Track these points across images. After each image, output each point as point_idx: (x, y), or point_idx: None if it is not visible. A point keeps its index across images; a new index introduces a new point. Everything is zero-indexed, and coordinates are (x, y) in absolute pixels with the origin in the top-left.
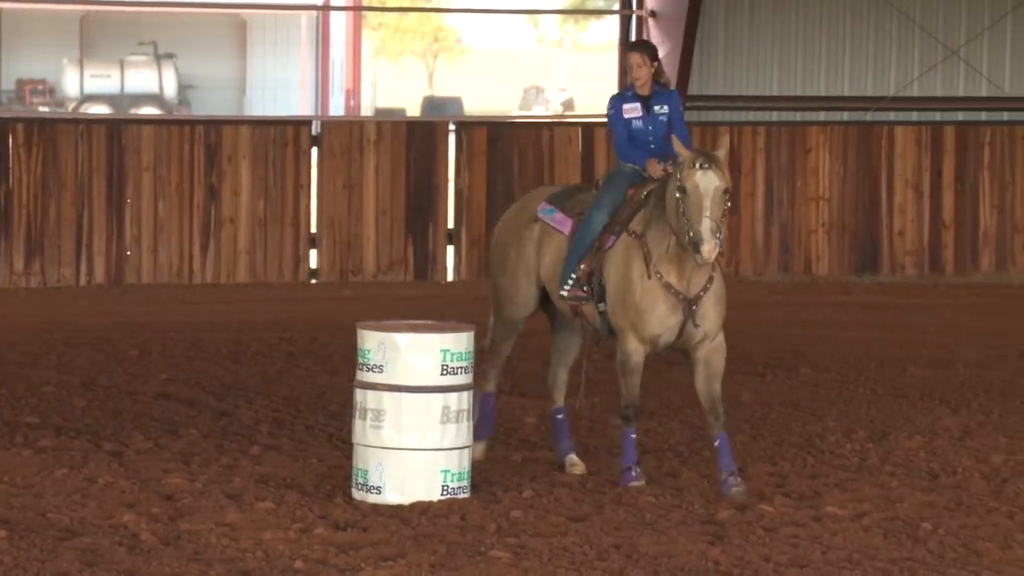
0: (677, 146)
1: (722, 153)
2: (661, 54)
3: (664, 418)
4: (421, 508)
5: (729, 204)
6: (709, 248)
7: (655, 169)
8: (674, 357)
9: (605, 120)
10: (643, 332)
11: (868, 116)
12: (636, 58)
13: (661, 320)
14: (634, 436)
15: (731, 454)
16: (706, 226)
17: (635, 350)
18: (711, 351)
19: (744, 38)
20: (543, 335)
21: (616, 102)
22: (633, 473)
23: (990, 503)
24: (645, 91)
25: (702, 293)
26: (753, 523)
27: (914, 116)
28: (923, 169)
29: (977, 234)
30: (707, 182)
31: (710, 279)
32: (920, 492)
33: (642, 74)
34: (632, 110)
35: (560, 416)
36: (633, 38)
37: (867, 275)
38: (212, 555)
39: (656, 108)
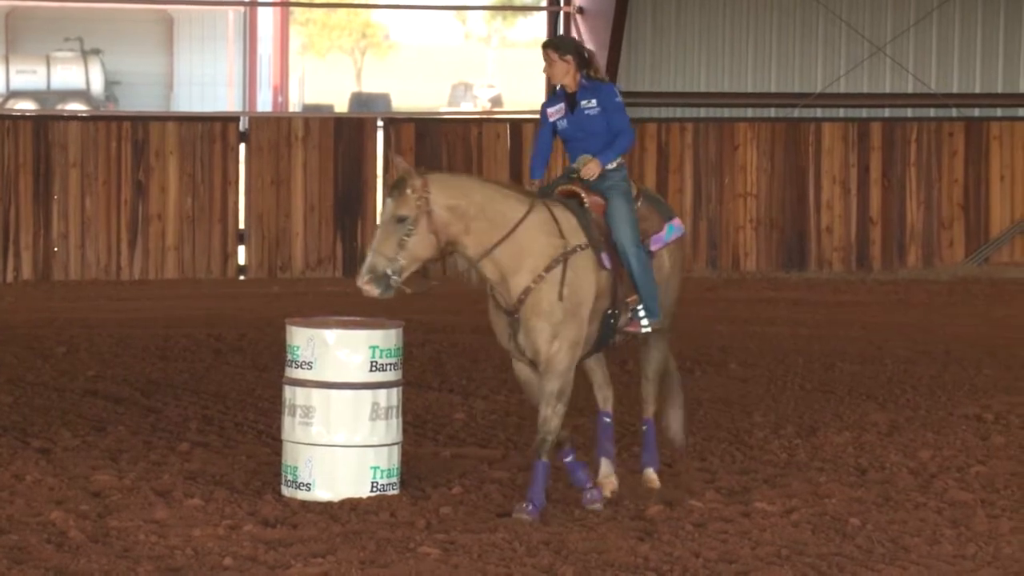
0: (396, 161)
1: (404, 175)
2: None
3: (593, 414)
4: (351, 505)
5: (411, 231)
6: (359, 283)
7: (530, 186)
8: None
9: (534, 117)
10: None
11: (795, 112)
12: (544, 55)
13: (500, 331)
14: (544, 463)
15: (584, 472)
16: (367, 260)
17: (513, 365)
18: (542, 373)
19: (671, 35)
20: (471, 333)
21: (543, 107)
22: (528, 507)
23: (918, 498)
24: (571, 88)
25: (518, 305)
26: (682, 519)
27: (841, 113)
28: (850, 165)
29: (904, 230)
30: (385, 209)
31: (526, 290)
32: (848, 488)
33: (554, 71)
34: (556, 112)
35: (608, 420)
36: (561, 34)
37: (795, 271)
38: (141, 552)
39: (583, 103)
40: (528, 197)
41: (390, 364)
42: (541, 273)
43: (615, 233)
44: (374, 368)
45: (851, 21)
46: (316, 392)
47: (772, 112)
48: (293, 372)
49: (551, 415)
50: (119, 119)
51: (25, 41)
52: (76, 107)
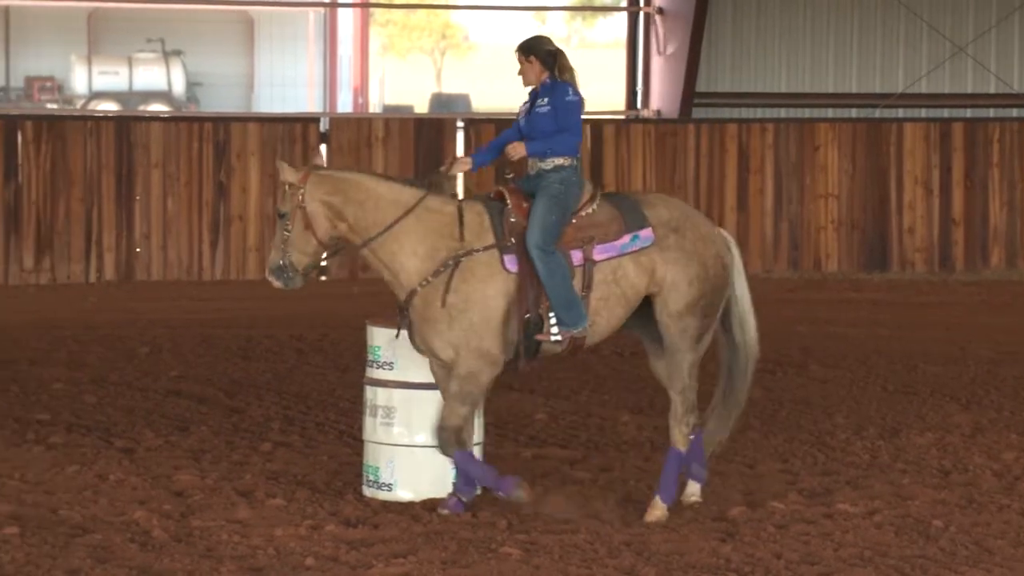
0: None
1: (280, 171)
2: (669, 50)
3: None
4: (432, 505)
5: (289, 227)
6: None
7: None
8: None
9: (614, 117)
10: None
11: (877, 113)
12: (516, 57)
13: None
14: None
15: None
16: (269, 257)
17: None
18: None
19: (752, 35)
20: None
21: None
22: (451, 501)
23: (1001, 500)
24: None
25: (405, 304)
26: (764, 520)
27: (923, 113)
28: (932, 166)
29: (987, 231)
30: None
31: (412, 292)
32: (932, 489)
33: (523, 73)
34: (522, 110)
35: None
36: (641, 35)
37: (877, 272)
38: (223, 552)
39: (538, 102)
40: (420, 193)
41: None
42: (428, 278)
43: (526, 234)
44: None
45: (933, 21)
46: (397, 392)
47: (853, 112)
48: (374, 372)
49: (448, 414)
50: (200, 120)
51: (107, 42)
52: (158, 108)
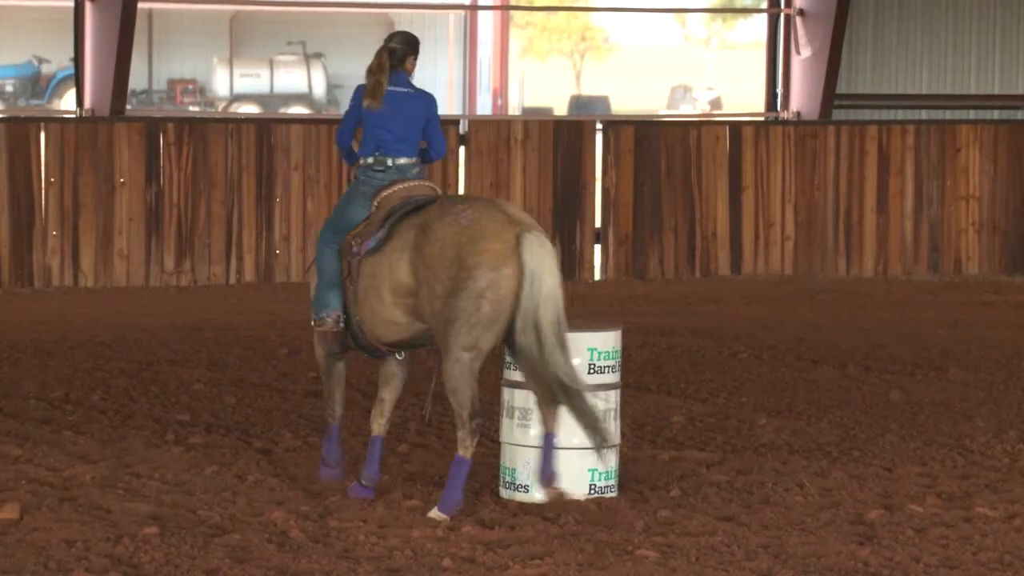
0: None
1: None
2: (809, 52)
3: (812, 418)
4: (569, 507)
5: None
6: None
7: None
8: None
9: (753, 119)
10: None
11: (1019, 114)
12: None
13: None
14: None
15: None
16: None
17: None
18: None
19: (893, 36)
20: (690, 335)
21: None
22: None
23: None
24: None
25: None
26: (903, 524)
27: None
28: None
29: None
30: None
31: None
32: None
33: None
34: None
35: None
36: (781, 37)
37: (1018, 275)
38: (361, 552)
39: None
40: None
41: (608, 367)
42: None
43: None
44: (592, 370)
45: None
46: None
47: (995, 114)
48: (511, 374)
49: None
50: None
51: (249, 45)
52: (298, 110)
